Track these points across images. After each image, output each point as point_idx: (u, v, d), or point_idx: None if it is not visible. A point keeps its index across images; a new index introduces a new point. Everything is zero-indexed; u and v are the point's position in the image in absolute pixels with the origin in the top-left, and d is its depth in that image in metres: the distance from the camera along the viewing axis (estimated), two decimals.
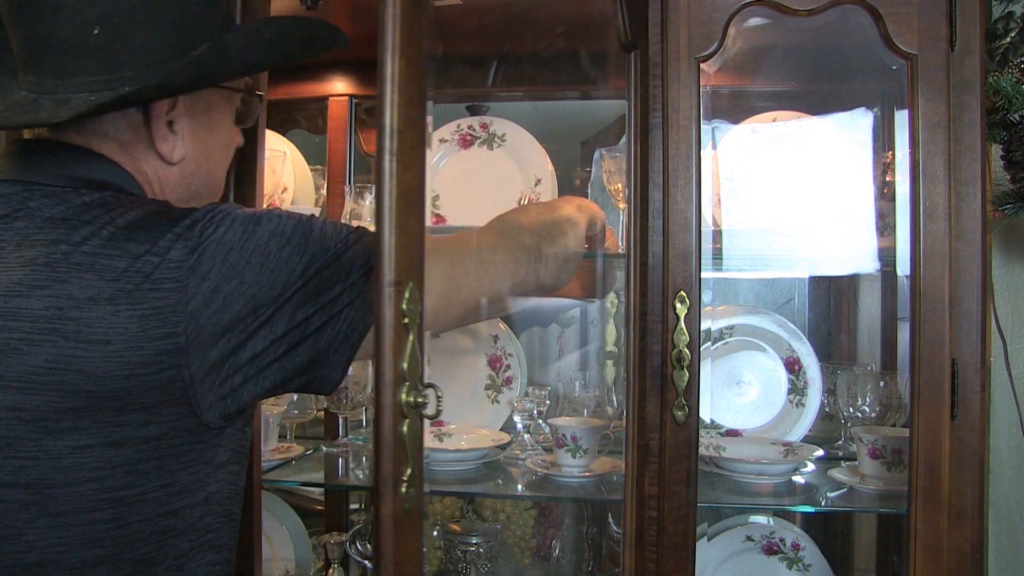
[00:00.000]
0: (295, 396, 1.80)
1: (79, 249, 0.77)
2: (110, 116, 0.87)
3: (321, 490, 1.94)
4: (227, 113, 0.97)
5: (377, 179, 0.65)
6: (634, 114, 1.37)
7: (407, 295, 0.64)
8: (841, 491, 1.47)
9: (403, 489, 0.64)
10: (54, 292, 0.76)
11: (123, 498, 0.79)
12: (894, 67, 1.31)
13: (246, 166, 1.43)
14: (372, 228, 1.67)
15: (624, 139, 1.46)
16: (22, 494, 0.77)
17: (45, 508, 0.77)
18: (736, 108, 1.64)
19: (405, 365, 0.64)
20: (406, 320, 0.64)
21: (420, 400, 0.65)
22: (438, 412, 0.66)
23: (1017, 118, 1.43)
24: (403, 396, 0.64)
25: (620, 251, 1.58)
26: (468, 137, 1.78)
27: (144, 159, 0.89)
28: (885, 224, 1.47)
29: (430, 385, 0.66)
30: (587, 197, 1.76)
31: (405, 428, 0.64)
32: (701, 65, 1.32)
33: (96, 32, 0.81)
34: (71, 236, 0.78)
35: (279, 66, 1.01)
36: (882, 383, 1.54)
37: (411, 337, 0.65)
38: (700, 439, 1.32)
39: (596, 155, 1.76)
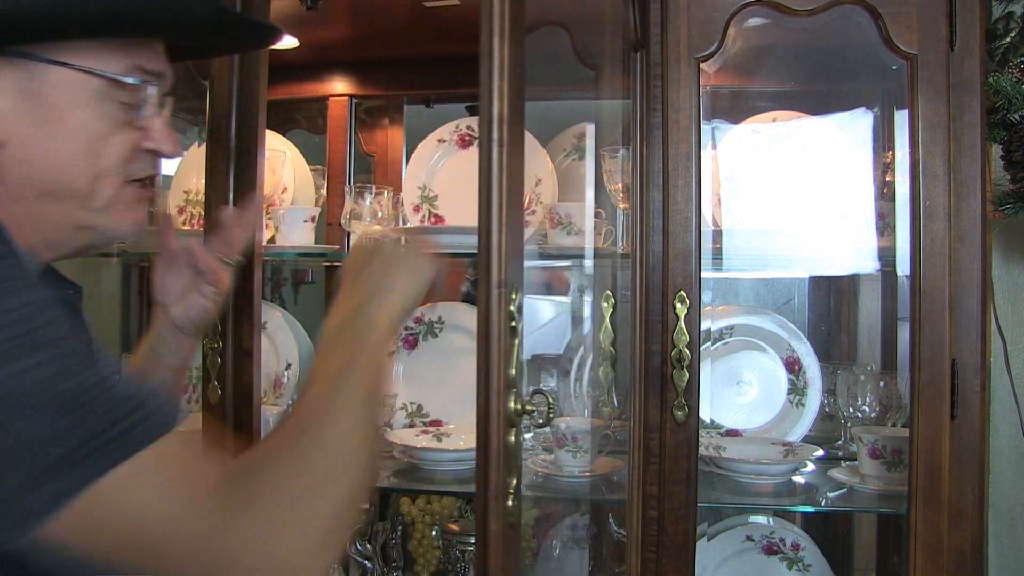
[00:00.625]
0: (295, 395, 1.80)
1: None
2: None
3: None
4: (87, 97, 0.77)
5: (484, 171, 0.59)
6: (639, 113, 1.36)
7: (514, 296, 0.60)
8: (841, 491, 1.47)
9: (509, 502, 0.60)
10: None
11: None
12: (894, 67, 1.31)
13: (246, 166, 1.44)
14: (374, 228, 1.67)
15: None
16: None
17: None
18: (736, 108, 1.64)
19: (513, 371, 0.60)
20: (513, 323, 0.60)
21: (529, 407, 0.60)
22: (549, 420, 0.62)
23: (1017, 118, 1.43)
24: (511, 404, 0.60)
25: (620, 250, 1.58)
26: (467, 137, 1.78)
27: None
28: (885, 224, 1.47)
29: (539, 391, 0.62)
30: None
31: (512, 438, 0.60)
32: (701, 65, 1.32)
33: None
34: None
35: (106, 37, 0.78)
36: (882, 383, 1.54)
37: (517, 341, 0.60)
38: (700, 439, 1.32)
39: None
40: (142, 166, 0.82)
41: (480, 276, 0.60)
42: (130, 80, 0.79)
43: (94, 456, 0.60)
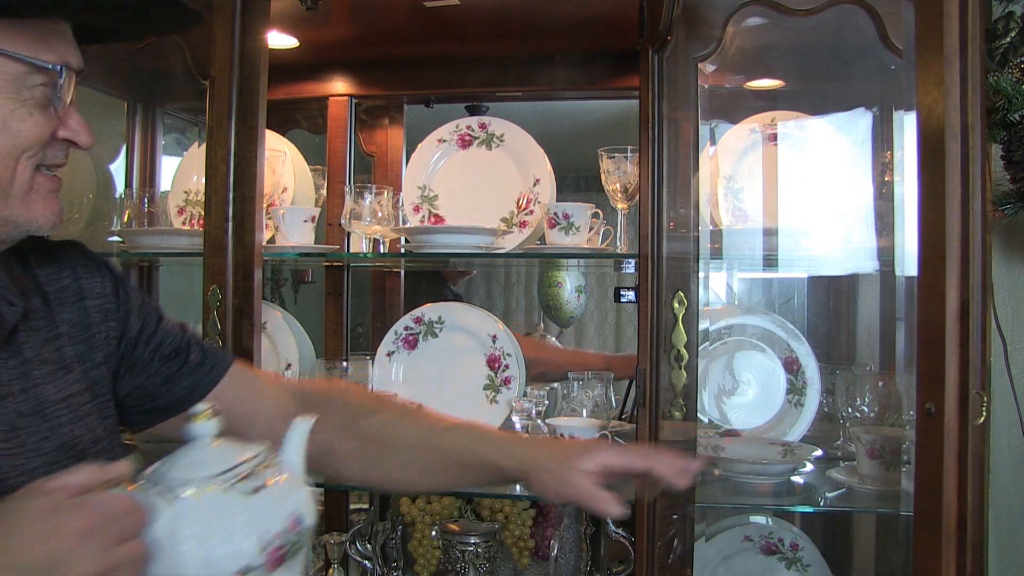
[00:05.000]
0: None
1: None
2: None
3: (321, 490, 1.94)
4: (5, 83, 0.77)
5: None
6: (651, 112, 1.35)
7: None
8: (840, 491, 1.47)
9: None
10: None
11: None
12: (893, 67, 1.30)
13: (246, 166, 1.44)
14: (373, 228, 1.67)
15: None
16: None
17: None
18: (735, 108, 1.64)
19: None
20: None
21: None
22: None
23: (1017, 118, 1.42)
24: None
25: (620, 249, 1.58)
26: (467, 137, 1.78)
27: None
28: (884, 224, 1.47)
29: None
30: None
31: None
32: (700, 64, 1.32)
33: None
34: None
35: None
36: (881, 383, 1.54)
37: None
38: (699, 439, 1.32)
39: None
40: (55, 153, 0.82)
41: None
42: (48, 65, 0.78)
43: None
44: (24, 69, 0.77)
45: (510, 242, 1.69)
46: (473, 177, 1.76)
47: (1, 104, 0.77)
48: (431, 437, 1.07)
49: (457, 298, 2.24)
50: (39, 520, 0.62)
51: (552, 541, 1.70)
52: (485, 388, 1.72)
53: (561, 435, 1.48)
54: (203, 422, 0.73)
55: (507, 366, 1.70)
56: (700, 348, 1.33)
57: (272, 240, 1.69)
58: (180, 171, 1.89)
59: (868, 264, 1.55)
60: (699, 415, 1.45)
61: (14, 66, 0.77)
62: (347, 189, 1.74)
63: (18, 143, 0.78)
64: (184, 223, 1.82)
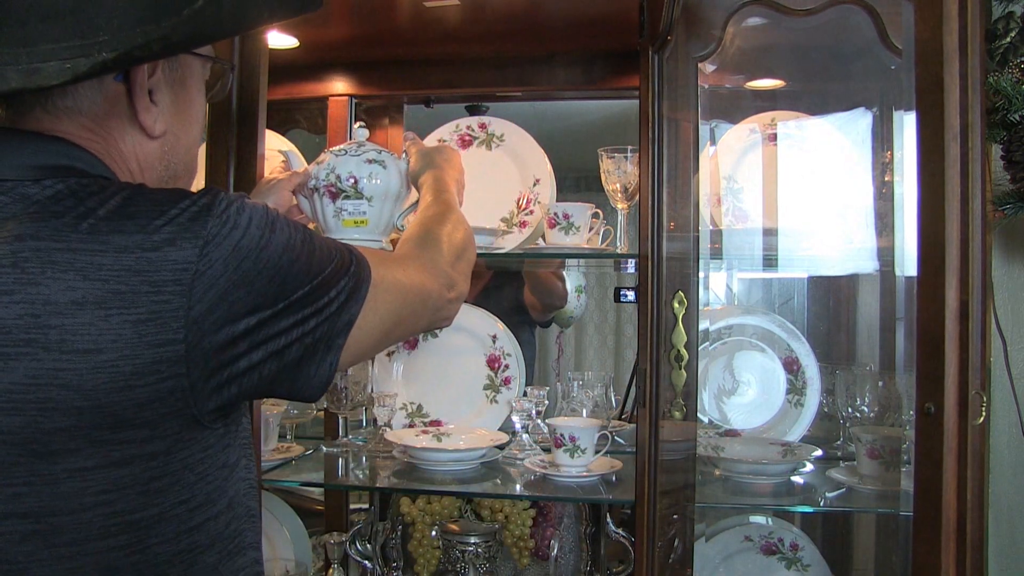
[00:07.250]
0: None
1: (52, 246, 0.69)
2: (86, 89, 0.79)
3: (321, 490, 1.94)
4: (202, 84, 0.91)
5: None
6: (651, 112, 1.35)
7: None
8: (840, 491, 1.47)
9: None
10: (27, 297, 0.68)
11: (138, 521, 0.73)
12: (892, 67, 1.31)
13: (246, 166, 1.44)
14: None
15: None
16: (21, 524, 0.70)
17: (49, 539, 0.71)
18: (735, 108, 1.64)
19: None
20: None
21: None
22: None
23: (1017, 118, 1.42)
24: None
25: (620, 249, 1.58)
26: (467, 137, 1.78)
27: (123, 135, 0.82)
28: (884, 224, 1.47)
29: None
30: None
31: None
32: (699, 64, 1.32)
33: None
34: (40, 231, 0.70)
35: (266, 24, 0.99)
36: (880, 383, 1.54)
37: None
38: (699, 439, 1.32)
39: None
40: None
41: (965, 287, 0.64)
42: (228, 64, 0.95)
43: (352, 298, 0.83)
44: (205, 70, 0.91)
45: (510, 242, 1.69)
46: (473, 177, 1.75)
47: (201, 101, 0.90)
48: None
49: None
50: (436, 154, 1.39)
51: (552, 541, 1.70)
52: (485, 388, 1.72)
53: (561, 435, 1.48)
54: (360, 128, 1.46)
55: (507, 366, 1.70)
56: (700, 348, 1.33)
57: None
58: None
59: (868, 264, 1.55)
60: (699, 415, 1.45)
61: (204, 66, 0.90)
62: None
63: (203, 135, 0.94)
64: None
